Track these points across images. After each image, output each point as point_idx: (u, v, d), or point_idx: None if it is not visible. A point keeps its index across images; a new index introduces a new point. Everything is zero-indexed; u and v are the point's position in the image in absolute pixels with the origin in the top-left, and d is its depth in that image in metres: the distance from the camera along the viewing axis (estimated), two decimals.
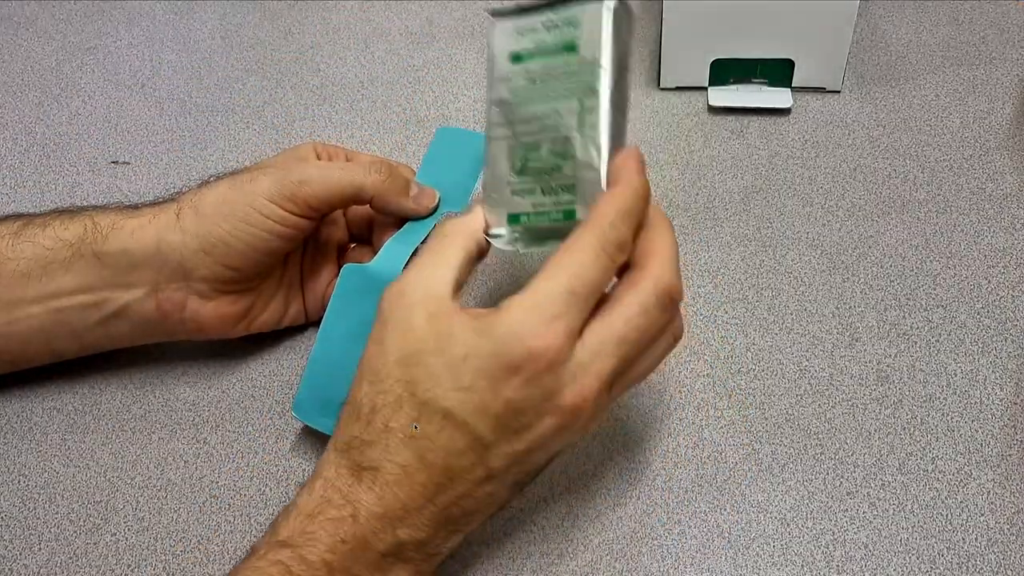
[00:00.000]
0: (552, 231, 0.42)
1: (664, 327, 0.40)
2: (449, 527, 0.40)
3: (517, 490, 0.41)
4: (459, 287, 0.41)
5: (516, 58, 0.43)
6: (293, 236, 0.48)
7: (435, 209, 0.50)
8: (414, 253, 0.49)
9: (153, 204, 0.49)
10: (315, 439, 0.50)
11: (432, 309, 0.39)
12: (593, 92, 0.41)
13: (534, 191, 0.42)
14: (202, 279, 0.48)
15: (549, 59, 0.42)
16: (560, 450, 0.41)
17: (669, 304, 0.39)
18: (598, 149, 0.41)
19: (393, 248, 0.49)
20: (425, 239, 0.50)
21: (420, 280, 0.40)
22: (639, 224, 0.40)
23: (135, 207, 0.49)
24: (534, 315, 0.37)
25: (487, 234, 0.43)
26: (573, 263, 0.38)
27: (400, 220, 0.50)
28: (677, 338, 0.41)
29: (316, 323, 0.51)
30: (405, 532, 0.39)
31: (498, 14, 0.44)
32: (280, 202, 0.47)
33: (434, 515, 0.39)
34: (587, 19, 0.41)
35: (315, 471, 0.41)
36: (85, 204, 0.50)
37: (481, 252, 0.43)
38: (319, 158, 0.51)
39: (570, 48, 0.42)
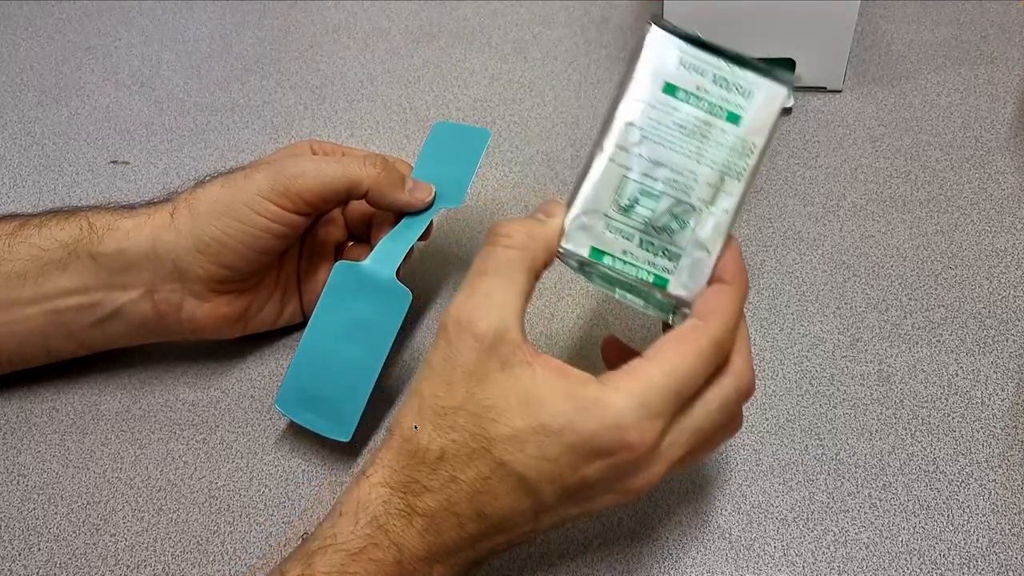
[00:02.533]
0: (629, 285, 0.40)
1: (734, 418, 0.40)
2: (476, 564, 0.40)
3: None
4: (525, 310, 0.39)
5: (670, 89, 0.40)
6: (288, 234, 0.48)
7: (431, 204, 0.50)
8: (410, 251, 0.49)
9: (148, 204, 0.49)
10: (315, 439, 0.50)
11: (506, 356, 0.37)
12: (739, 177, 0.39)
13: (631, 238, 0.40)
14: (197, 279, 0.47)
15: (706, 113, 0.39)
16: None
17: (744, 399, 0.40)
18: (721, 237, 0.39)
19: (388, 246, 0.49)
20: (422, 236, 0.50)
21: (488, 310, 0.37)
22: (733, 344, 0.39)
23: (131, 207, 0.49)
24: (641, 411, 0.36)
25: (560, 251, 0.40)
26: (687, 364, 0.37)
27: (397, 217, 0.50)
28: (738, 429, 0.41)
29: None
30: (440, 570, 0.39)
31: (663, 26, 0.40)
32: (274, 198, 0.46)
33: (470, 557, 0.39)
34: (762, 97, 0.39)
35: (357, 500, 0.38)
36: (84, 204, 0.50)
37: (546, 267, 0.40)
38: (315, 155, 0.51)
39: (734, 119, 0.39)
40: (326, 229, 0.53)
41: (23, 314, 0.47)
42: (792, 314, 0.54)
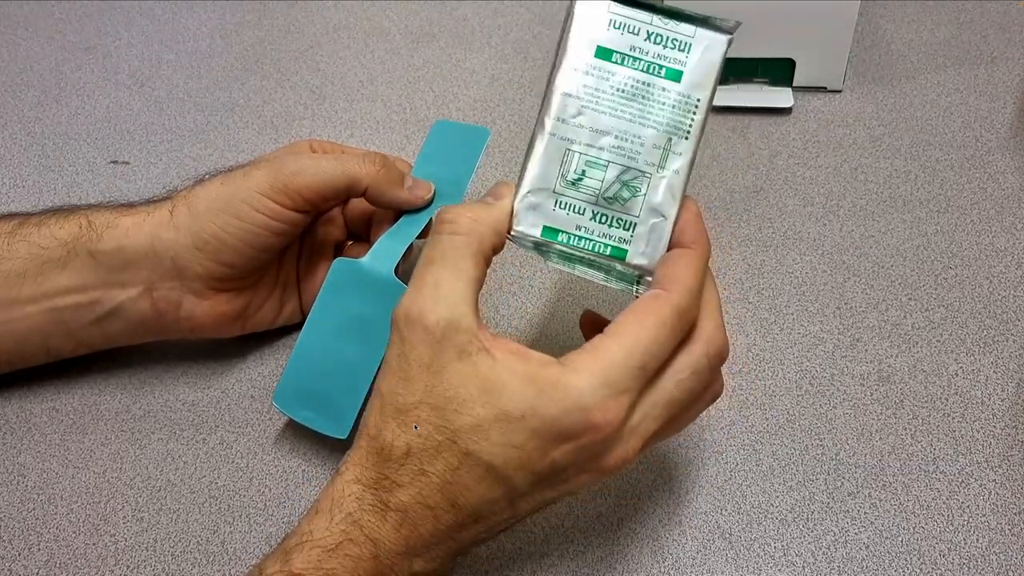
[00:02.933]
0: (588, 260, 0.39)
1: (709, 385, 0.39)
2: (460, 555, 0.40)
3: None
4: (477, 298, 0.38)
5: (604, 53, 0.38)
6: (287, 231, 0.48)
7: (430, 201, 0.50)
8: (409, 249, 0.49)
9: (148, 202, 0.49)
10: (315, 439, 0.50)
11: (461, 344, 0.37)
12: (687, 136, 0.38)
13: (583, 212, 0.38)
14: (196, 277, 0.47)
15: (643, 73, 0.38)
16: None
17: (718, 365, 0.39)
18: (675, 199, 0.38)
19: (386, 244, 0.49)
20: (421, 234, 0.50)
21: (437, 301, 0.37)
22: (698, 309, 0.38)
23: (130, 205, 0.49)
24: (603, 390, 0.36)
25: (512, 234, 0.39)
26: (649, 336, 0.36)
27: (397, 216, 0.50)
28: (717, 395, 0.40)
29: None
30: (420, 564, 0.38)
31: None
32: (273, 196, 0.46)
33: (451, 549, 0.39)
34: (701, 48, 0.38)
35: (332, 498, 0.38)
36: (84, 203, 0.50)
37: (497, 252, 0.40)
38: (314, 153, 0.51)
39: (673, 75, 0.38)
40: (325, 228, 0.53)
41: (22, 313, 0.47)
42: (792, 314, 0.54)
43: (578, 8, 0.39)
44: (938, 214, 0.58)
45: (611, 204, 0.38)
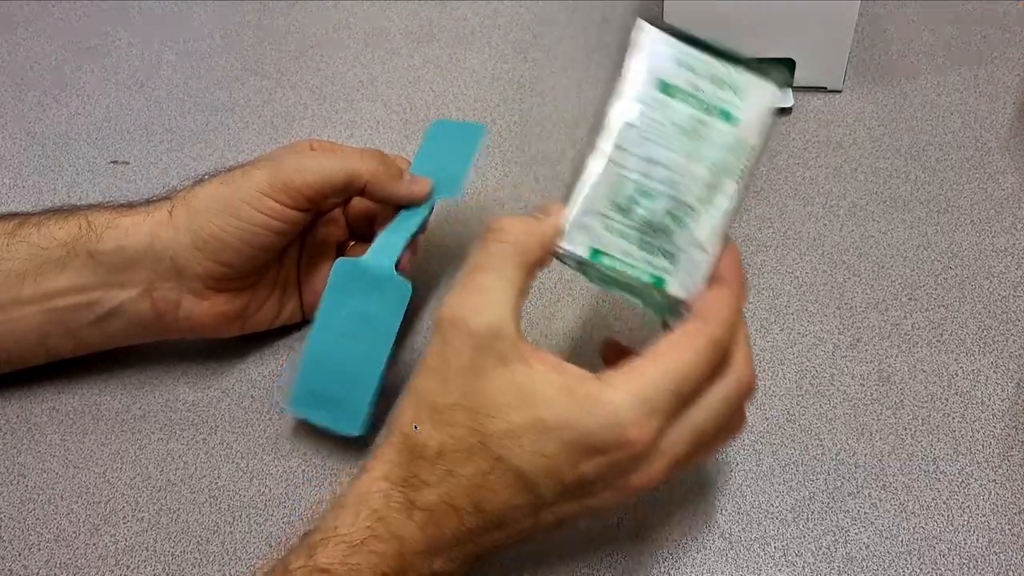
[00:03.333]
0: (628, 285, 0.40)
1: (734, 418, 0.40)
2: (478, 559, 0.40)
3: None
4: (521, 308, 0.39)
5: (665, 88, 0.39)
6: (287, 230, 0.48)
7: (429, 196, 0.50)
8: (411, 243, 0.50)
9: (147, 202, 0.49)
10: (314, 439, 0.50)
11: (503, 352, 0.37)
12: (735, 176, 0.39)
13: (629, 238, 0.39)
14: (196, 276, 0.47)
15: (701, 113, 0.39)
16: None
17: (745, 397, 0.40)
18: (716, 236, 0.39)
19: (386, 239, 0.49)
20: (420, 229, 0.50)
21: (482, 306, 0.38)
22: (732, 340, 0.39)
23: (129, 205, 0.49)
24: (639, 408, 0.36)
25: (559, 251, 0.40)
26: (686, 363, 0.37)
27: (397, 213, 0.51)
28: (740, 428, 0.41)
29: None
30: (440, 564, 0.39)
31: (655, 24, 0.40)
32: (273, 194, 0.47)
33: (470, 551, 0.39)
34: (754, 95, 0.39)
35: (358, 494, 0.38)
36: (84, 204, 0.50)
37: (542, 266, 0.40)
38: (313, 151, 0.51)
39: (727, 117, 0.39)
40: (327, 228, 0.53)
41: (21, 313, 0.47)
42: (792, 314, 0.54)
43: (644, 39, 0.40)
44: (938, 214, 0.58)
45: (657, 234, 0.39)
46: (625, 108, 0.39)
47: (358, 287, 0.48)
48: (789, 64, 0.64)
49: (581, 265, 0.40)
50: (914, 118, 0.64)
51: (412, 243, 0.50)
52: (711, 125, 0.39)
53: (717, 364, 0.38)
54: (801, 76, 0.65)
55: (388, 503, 0.38)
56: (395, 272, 0.48)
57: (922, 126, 0.64)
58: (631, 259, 0.39)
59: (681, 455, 0.38)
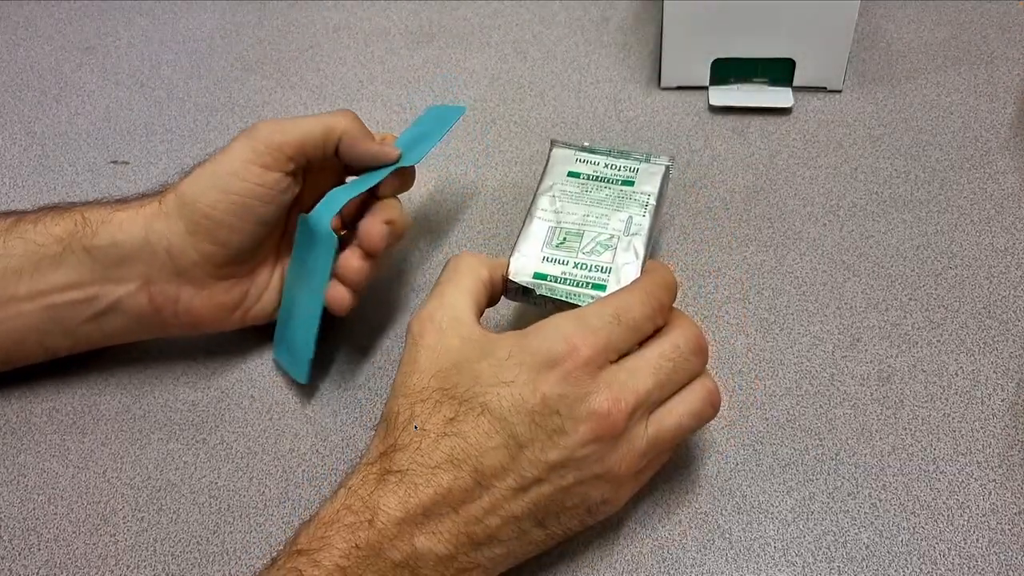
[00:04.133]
0: (569, 303, 0.46)
1: (693, 372, 0.43)
2: (470, 552, 0.39)
3: (543, 537, 0.41)
4: (479, 315, 0.44)
5: (573, 174, 0.52)
6: (275, 197, 0.48)
7: (395, 161, 0.51)
8: (361, 205, 0.51)
9: (141, 196, 0.49)
10: (314, 439, 0.50)
11: (464, 333, 0.42)
12: (645, 210, 0.50)
13: (566, 263, 0.47)
14: (193, 264, 0.48)
15: (604, 183, 0.51)
16: (591, 513, 0.42)
17: (697, 349, 0.42)
18: (642, 248, 0.48)
19: (333, 196, 0.50)
20: (371, 190, 0.50)
21: (443, 307, 0.43)
22: (670, 302, 0.43)
23: (123, 200, 0.49)
24: (578, 322, 0.41)
25: (508, 278, 0.47)
26: (621, 298, 0.42)
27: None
28: (711, 399, 0.43)
29: None
30: (423, 541, 0.38)
31: (560, 144, 0.53)
32: (256, 159, 0.47)
33: (457, 529, 0.39)
34: (645, 171, 0.52)
35: (341, 483, 0.41)
36: (80, 200, 0.50)
37: (495, 289, 0.46)
38: None
39: (628, 183, 0.51)
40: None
41: (18, 310, 0.47)
42: (792, 314, 0.54)
43: (554, 154, 0.53)
44: (938, 214, 0.58)
45: (589, 255, 0.48)
46: (546, 188, 0.51)
47: (305, 240, 0.50)
48: (789, 64, 0.64)
49: (525, 292, 0.47)
50: (914, 118, 0.64)
51: (391, 223, 0.49)
52: (615, 188, 0.51)
53: (654, 313, 0.42)
54: (801, 76, 0.65)
55: (363, 477, 0.40)
56: (328, 229, 0.49)
57: (922, 126, 0.64)
58: (570, 277, 0.47)
59: (645, 389, 0.40)
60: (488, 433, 0.39)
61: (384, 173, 0.50)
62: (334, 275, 0.49)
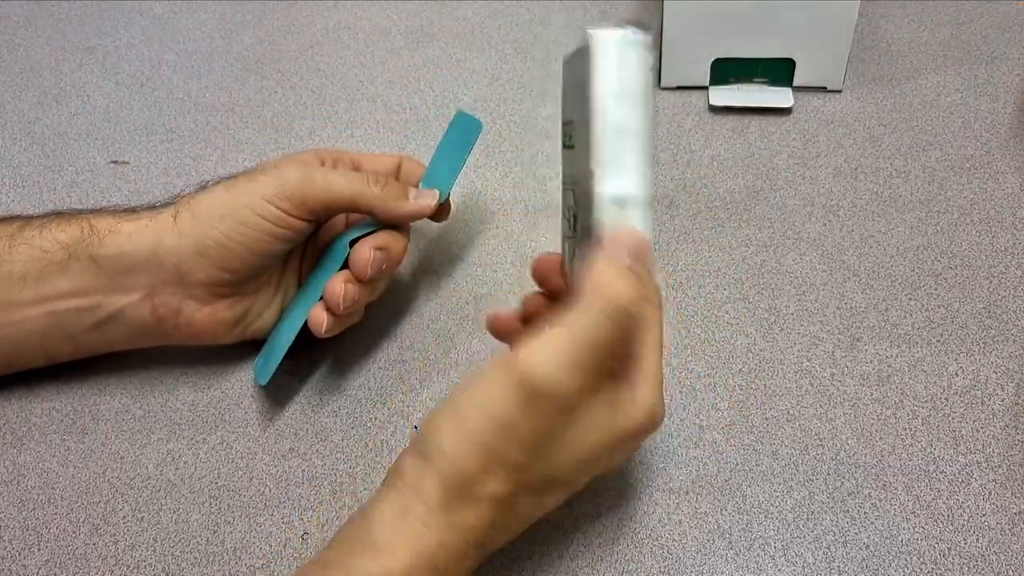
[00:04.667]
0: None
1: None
2: (483, 552, 0.40)
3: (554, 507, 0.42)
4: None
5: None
6: (290, 238, 0.48)
7: (433, 209, 0.51)
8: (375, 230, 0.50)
9: (151, 208, 0.49)
10: (315, 439, 0.50)
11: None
12: (586, 125, 0.38)
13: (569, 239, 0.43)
14: (198, 283, 0.47)
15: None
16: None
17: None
18: (595, 168, 0.39)
19: (357, 227, 0.51)
20: (440, 215, 0.52)
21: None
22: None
23: (132, 210, 0.49)
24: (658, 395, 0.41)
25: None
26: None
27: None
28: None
29: None
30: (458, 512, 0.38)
31: (629, 30, 0.41)
32: (279, 203, 0.47)
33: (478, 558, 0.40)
34: (588, 57, 0.40)
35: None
36: (84, 204, 0.50)
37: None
38: (323, 164, 0.51)
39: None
40: (330, 236, 0.53)
41: (22, 315, 0.47)
42: (792, 314, 0.54)
43: (600, 49, 0.41)
44: (938, 214, 0.58)
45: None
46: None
47: (328, 254, 0.51)
48: (789, 64, 0.64)
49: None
50: (914, 118, 0.64)
51: (384, 249, 0.49)
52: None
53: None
54: (801, 76, 0.65)
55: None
56: (346, 240, 0.49)
57: (922, 126, 0.64)
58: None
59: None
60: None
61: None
62: (321, 296, 0.49)
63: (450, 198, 0.53)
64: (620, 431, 0.39)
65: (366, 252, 0.48)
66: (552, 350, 0.36)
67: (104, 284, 0.47)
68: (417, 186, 0.52)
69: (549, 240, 0.58)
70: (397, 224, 0.50)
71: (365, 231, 0.50)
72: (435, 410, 0.38)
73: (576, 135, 0.40)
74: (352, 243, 0.49)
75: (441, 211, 0.52)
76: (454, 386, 0.41)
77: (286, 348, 0.49)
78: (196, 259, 0.47)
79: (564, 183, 0.44)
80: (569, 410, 0.37)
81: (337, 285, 0.48)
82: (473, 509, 0.37)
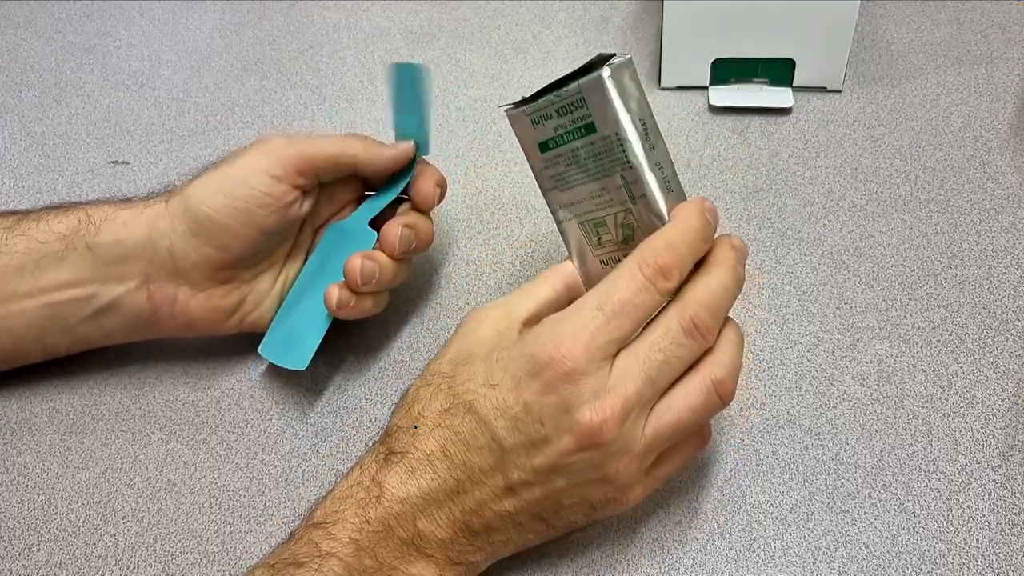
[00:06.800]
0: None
1: (688, 358, 0.40)
2: (470, 539, 0.40)
3: (544, 528, 0.41)
4: (537, 318, 0.41)
5: (544, 146, 0.43)
6: (283, 211, 0.48)
7: (413, 156, 0.51)
8: (391, 205, 0.51)
9: (146, 197, 0.49)
10: (315, 440, 0.50)
11: (501, 327, 0.41)
12: (629, 165, 0.41)
13: (619, 259, 0.43)
14: (193, 266, 0.48)
15: (574, 141, 0.42)
16: (596, 510, 0.41)
17: (688, 330, 0.39)
18: (659, 215, 0.41)
19: (369, 203, 0.51)
20: (405, 191, 0.51)
21: (502, 303, 0.42)
22: (689, 256, 0.40)
23: (128, 199, 0.49)
24: (561, 325, 0.39)
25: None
26: (605, 283, 0.39)
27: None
28: (715, 389, 0.40)
29: None
30: (424, 524, 0.40)
31: (507, 107, 0.44)
32: (268, 168, 0.47)
33: (453, 517, 0.40)
34: (591, 95, 0.41)
35: (356, 461, 0.42)
36: (83, 200, 0.50)
37: (571, 295, 0.43)
38: None
39: (590, 129, 0.41)
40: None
41: (19, 308, 0.47)
42: (792, 314, 0.54)
43: (511, 122, 0.44)
44: (938, 214, 0.58)
45: (628, 244, 0.42)
46: (542, 182, 0.44)
47: (334, 243, 0.51)
48: (789, 64, 0.64)
49: None
50: (914, 118, 0.64)
51: (413, 226, 0.50)
52: (586, 143, 0.42)
53: (650, 282, 0.39)
54: (801, 76, 0.65)
55: (374, 456, 0.41)
56: (366, 226, 0.50)
57: (922, 126, 0.64)
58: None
59: (633, 390, 0.38)
60: (473, 432, 0.39)
61: (409, 175, 0.51)
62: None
63: (446, 180, 0.52)
64: (512, 351, 0.40)
65: (395, 229, 0.49)
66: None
67: (100, 273, 0.47)
68: None
69: (549, 240, 0.58)
70: (383, 174, 0.51)
71: (376, 210, 0.50)
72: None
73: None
74: (371, 223, 0.50)
75: (429, 184, 0.51)
76: None
77: (323, 332, 0.49)
78: (188, 240, 0.47)
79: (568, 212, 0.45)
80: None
81: (356, 261, 0.48)
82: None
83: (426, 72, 0.50)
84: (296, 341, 0.50)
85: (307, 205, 0.49)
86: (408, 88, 0.51)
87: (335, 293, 0.48)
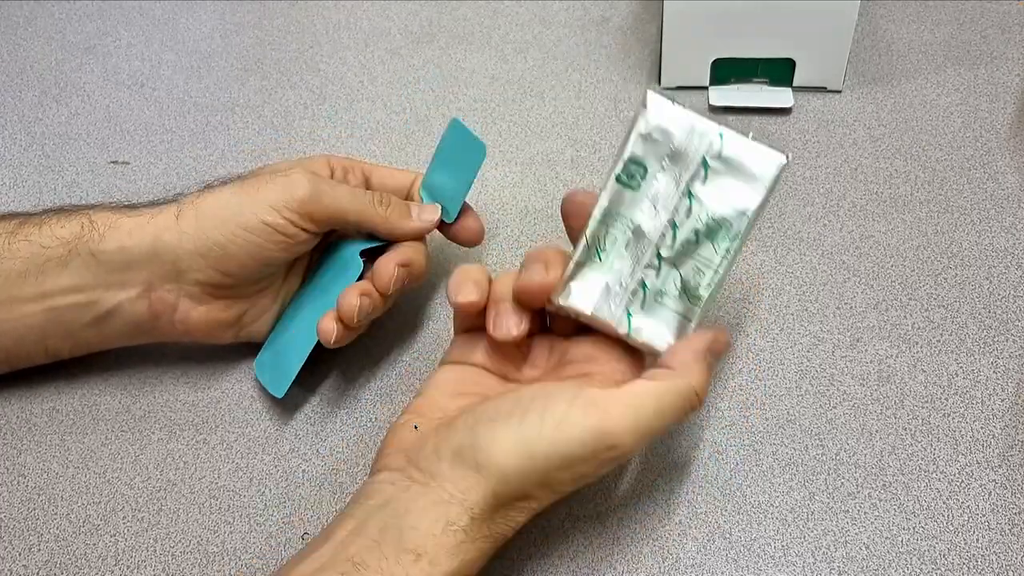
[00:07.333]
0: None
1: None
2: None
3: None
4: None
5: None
6: (293, 248, 0.48)
7: (435, 225, 0.51)
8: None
9: (152, 204, 0.49)
10: (315, 439, 0.50)
11: None
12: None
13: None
14: (195, 282, 0.47)
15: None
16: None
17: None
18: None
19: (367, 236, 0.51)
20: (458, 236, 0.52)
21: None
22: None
23: (133, 206, 0.49)
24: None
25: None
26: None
27: None
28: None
29: None
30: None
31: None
32: (284, 212, 0.46)
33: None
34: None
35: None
36: (85, 203, 0.50)
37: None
38: (332, 174, 0.51)
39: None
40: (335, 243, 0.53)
41: (21, 312, 0.47)
42: (792, 314, 0.54)
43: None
44: (938, 214, 0.58)
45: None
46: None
47: (331, 262, 0.51)
48: (789, 64, 0.64)
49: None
50: (914, 118, 0.64)
51: (407, 265, 0.49)
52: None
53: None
54: (801, 76, 0.65)
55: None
56: (356, 252, 0.50)
57: (922, 126, 0.64)
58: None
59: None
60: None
61: None
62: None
63: (475, 215, 0.52)
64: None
65: (390, 268, 0.48)
66: (635, 416, 0.39)
67: (103, 279, 0.47)
68: (418, 194, 0.52)
69: (549, 240, 0.58)
70: (400, 240, 0.50)
71: (375, 243, 0.50)
72: (494, 424, 0.40)
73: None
74: (363, 254, 0.49)
75: (469, 230, 0.52)
76: (516, 400, 0.40)
77: (303, 360, 0.49)
78: (195, 259, 0.47)
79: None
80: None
81: (352, 298, 0.47)
82: (512, 521, 0.40)
83: (484, 155, 0.51)
84: (280, 365, 0.50)
85: (317, 240, 0.49)
86: (460, 154, 0.51)
87: (331, 328, 0.47)
